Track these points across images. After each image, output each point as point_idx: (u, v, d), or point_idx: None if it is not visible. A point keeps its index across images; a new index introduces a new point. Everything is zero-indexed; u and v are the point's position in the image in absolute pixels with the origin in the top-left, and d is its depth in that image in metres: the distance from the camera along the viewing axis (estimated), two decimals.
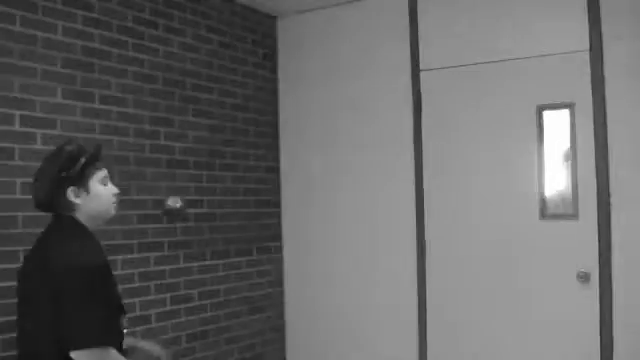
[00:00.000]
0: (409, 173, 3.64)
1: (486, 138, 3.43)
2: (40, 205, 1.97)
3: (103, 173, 2.03)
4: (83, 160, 1.95)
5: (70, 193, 1.93)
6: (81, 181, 1.94)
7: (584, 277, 3.10)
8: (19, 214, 2.65)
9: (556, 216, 3.22)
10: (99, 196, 2.00)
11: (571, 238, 3.17)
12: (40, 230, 2.71)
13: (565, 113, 3.20)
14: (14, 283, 2.61)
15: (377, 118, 3.77)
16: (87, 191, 1.96)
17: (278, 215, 4.09)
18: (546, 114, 3.26)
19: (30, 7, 2.72)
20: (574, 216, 3.17)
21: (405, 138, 3.66)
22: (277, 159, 4.11)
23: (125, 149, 3.12)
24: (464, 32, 3.49)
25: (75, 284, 1.78)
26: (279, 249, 4.08)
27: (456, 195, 3.51)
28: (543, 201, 3.26)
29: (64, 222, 1.95)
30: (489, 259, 3.39)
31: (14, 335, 2.57)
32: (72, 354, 1.77)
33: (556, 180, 3.24)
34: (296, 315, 4.06)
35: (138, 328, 3.13)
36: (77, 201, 1.94)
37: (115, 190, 2.08)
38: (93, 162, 2.00)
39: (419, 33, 3.63)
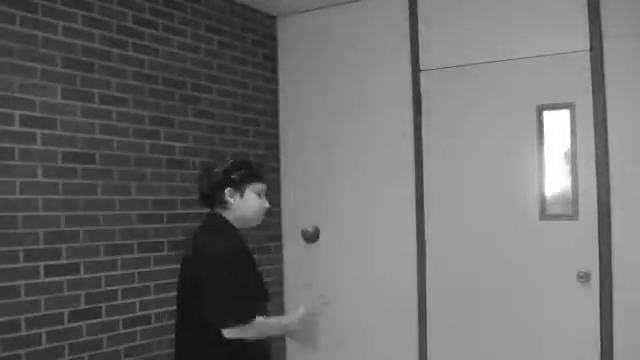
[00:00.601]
0: (409, 173, 3.64)
1: (486, 138, 3.43)
2: (202, 198, 2.28)
3: (261, 186, 2.30)
4: (247, 170, 2.26)
5: (226, 192, 2.22)
6: (239, 186, 2.23)
7: (584, 277, 3.10)
8: (19, 214, 2.65)
9: (556, 216, 3.22)
10: (250, 203, 2.26)
11: (571, 238, 3.17)
12: (40, 230, 2.72)
13: (565, 113, 3.20)
14: (14, 283, 2.62)
15: (377, 118, 3.77)
16: (241, 195, 2.24)
17: (278, 215, 4.08)
18: (546, 114, 3.26)
19: (30, 7, 2.72)
20: (574, 216, 3.17)
21: (405, 138, 3.66)
22: (277, 159, 4.11)
23: (125, 149, 3.12)
24: (464, 32, 3.49)
25: (214, 270, 2.07)
26: (279, 249, 4.08)
27: (456, 195, 3.51)
28: (543, 201, 3.26)
29: (214, 218, 2.26)
30: (489, 259, 3.39)
31: (14, 335, 2.58)
32: (224, 332, 2.06)
33: (556, 180, 3.24)
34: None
35: (138, 328, 3.13)
36: (230, 200, 2.22)
37: (266, 204, 2.34)
38: (256, 175, 2.28)
39: (419, 33, 3.63)
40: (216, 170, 2.24)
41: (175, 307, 2.35)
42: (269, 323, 2.23)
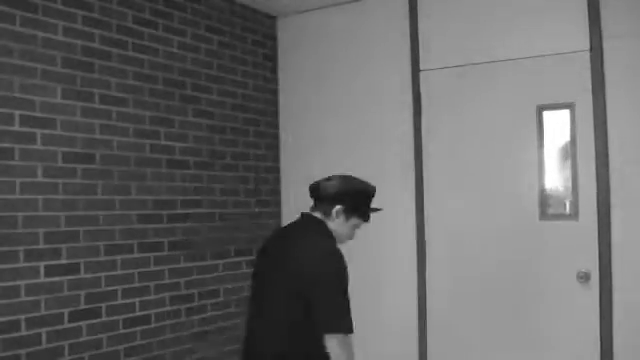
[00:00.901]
0: (409, 173, 3.64)
1: (486, 138, 3.43)
2: (317, 195, 2.28)
3: (362, 223, 2.34)
4: (365, 206, 2.30)
5: (336, 209, 2.25)
6: (348, 212, 2.26)
7: (584, 277, 3.10)
8: (19, 214, 2.65)
9: (556, 216, 3.22)
10: (346, 230, 2.31)
11: (571, 238, 3.17)
12: (40, 230, 2.72)
13: (565, 113, 3.20)
14: (14, 283, 2.62)
15: (377, 118, 3.78)
16: (345, 219, 2.27)
17: (278, 215, 4.09)
18: (546, 114, 3.26)
19: (30, 7, 2.72)
20: (574, 216, 3.17)
21: (405, 138, 3.66)
22: (277, 159, 4.11)
23: (125, 149, 3.13)
24: (464, 32, 3.49)
25: (331, 276, 2.10)
26: None
27: (456, 195, 3.51)
28: (543, 201, 3.26)
29: (316, 221, 2.26)
30: (489, 259, 3.39)
31: (14, 335, 2.58)
32: (326, 336, 2.05)
33: (556, 180, 3.24)
34: None
35: (138, 328, 3.13)
36: (334, 216, 2.25)
37: (354, 235, 2.38)
38: (366, 214, 2.32)
39: (419, 33, 3.63)
40: (347, 186, 2.26)
41: (252, 296, 2.29)
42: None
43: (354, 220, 2.29)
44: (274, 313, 2.14)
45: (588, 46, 3.13)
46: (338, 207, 2.24)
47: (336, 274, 2.12)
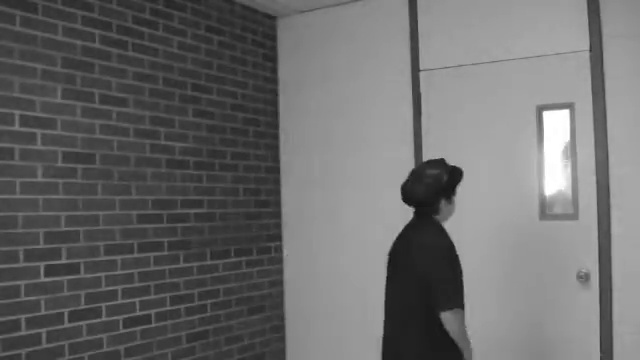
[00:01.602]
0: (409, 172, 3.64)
1: (486, 139, 3.43)
2: (412, 201, 2.44)
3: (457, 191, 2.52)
4: (458, 178, 2.47)
5: (443, 201, 2.43)
6: (450, 195, 2.46)
7: (584, 277, 3.10)
8: (19, 214, 2.65)
9: (556, 216, 3.22)
10: (453, 208, 2.51)
11: (571, 238, 3.17)
12: (40, 230, 2.72)
13: (565, 113, 3.20)
14: (14, 283, 2.62)
15: (377, 118, 3.78)
16: (450, 202, 2.47)
17: (278, 215, 4.09)
18: (546, 114, 3.26)
19: (30, 7, 2.72)
20: (574, 216, 3.17)
21: (405, 138, 3.67)
22: (277, 159, 4.11)
23: (125, 149, 3.13)
24: (464, 32, 3.49)
25: (444, 259, 2.28)
26: (279, 249, 4.08)
27: (456, 195, 3.50)
28: (543, 201, 3.26)
29: (429, 219, 2.42)
30: (489, 259, 3.39)
31: (14, 335, 2.58)
32: (441, 315, 2.27)
33: (556, 180, 3.24)
34: (296, 315, 4.06)
35: (138, 328, 3.13)
36: (442, 208, 2.44)
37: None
38: (459, 183, 2.50)
39: (419, 33, 3.63)
40: (435, 178, 2.40)
41: (389, 299, 2.44)
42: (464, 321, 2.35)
43: (454, 196, 2.49)
44: (410, 310, 2.33)
45: (588, 46, 3.13)
46: (443, 199, 2.43)
47: (448, 259, 2.30)
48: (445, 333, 2.31)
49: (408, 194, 2.43)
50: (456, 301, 2.26)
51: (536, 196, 3.27)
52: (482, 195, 3.43)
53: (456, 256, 2.32)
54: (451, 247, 2.32)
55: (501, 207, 3.37)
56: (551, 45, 3.24)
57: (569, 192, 3.19)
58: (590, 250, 3.11)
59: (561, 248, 3.19)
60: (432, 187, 2.39)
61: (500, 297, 3.35)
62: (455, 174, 2.45)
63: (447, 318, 2.26)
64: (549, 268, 3.21)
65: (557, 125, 3.23)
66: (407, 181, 2.46)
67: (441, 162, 2.46)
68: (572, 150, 3.18)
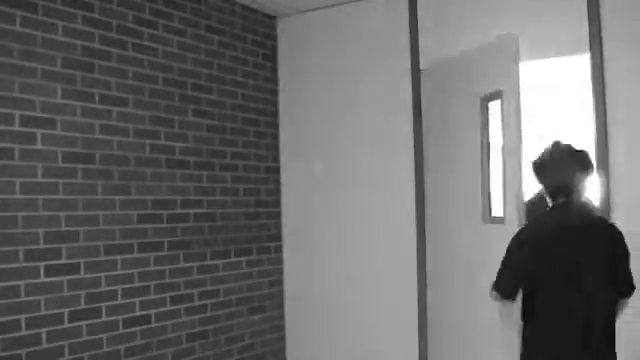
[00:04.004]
0: (409, 172, 3.64)
1: (451, 138, 3.39)
2: (562, 190, 2.29)
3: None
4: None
5: (579, 187, 2.30)
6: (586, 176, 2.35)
7: None
8: (19, 214, 2.65)
9: (495, 220, 3.13)
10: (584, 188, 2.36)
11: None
12: (40, 230, 2.71)
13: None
14: (15, 283, 2.61)
15: (377, 118, 3.77)
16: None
17: (278, 215, 4.09)
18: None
19: (30, 7, 2.72)
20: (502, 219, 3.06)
21: (406, 137, 3.66)
22: (277, 159, 4.11)
23: (125, 149, 3.12)
24: (463, 31, 3.49)
25: (626, 246, 2.28)
26: (279, 249, 4.08)
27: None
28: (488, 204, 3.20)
29: (583, 204, 2.36)
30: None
31: (14, 335, 2.58)
32: (623, 300, 2.28)
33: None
34: (296, 315, 4.06)
35: (138, 328, 3.13)
36: (583, 189, 2.32)
37: None
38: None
39: (419, 33, 3.62)
40: (576, 165, 2.29)
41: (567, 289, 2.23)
42: None
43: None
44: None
45: (588, 46, 3.12)
46: (583, 182, 2.31)
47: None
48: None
49: (560, 183, 2.30)
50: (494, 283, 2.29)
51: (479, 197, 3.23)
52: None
53: (512, 244, 2.26)
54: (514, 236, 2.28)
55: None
56: (551, 46, 3.22)
57: None
58: None
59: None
60: (574, 173, 2.30)
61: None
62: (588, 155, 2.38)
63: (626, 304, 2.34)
64: None
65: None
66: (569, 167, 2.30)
67: (579, 152, 2.33)
68: None
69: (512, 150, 2.81)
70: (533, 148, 2.45)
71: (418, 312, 3.59)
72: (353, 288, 3.84)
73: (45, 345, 2.71)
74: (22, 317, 2.63)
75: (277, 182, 4.10)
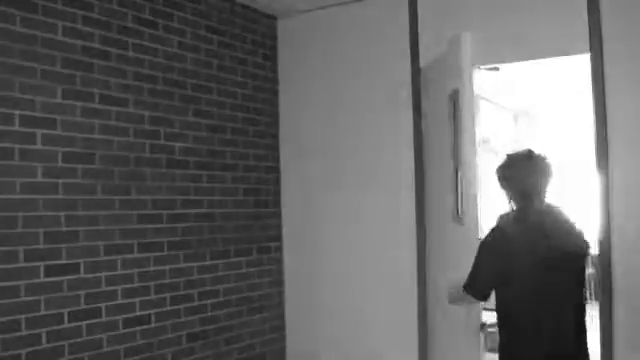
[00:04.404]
0: (409, 172, 3.63)
1: (439, 137, 3.39)
2: (527, 195, 2.30)
3: None
4: None
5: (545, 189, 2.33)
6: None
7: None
8: (19, 214, 2.65)
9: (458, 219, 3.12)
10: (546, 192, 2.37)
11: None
12: (40, 230, 2.71)
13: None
14: (15, 283, 2.61)
15: (377, 118, 3.77)
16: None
17: (278, 215, 4.09)
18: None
19: (30, 7, 2.71)
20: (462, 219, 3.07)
21: (406, 137, 3.65)
22: (277, 159, 4.11)
23: (125, 149, 3.12)
24: (463, 30, 3.49)
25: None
26: (279, 249, 4.08)
27: (438, 194, 3.50)
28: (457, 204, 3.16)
29: (546, 204, 2.35)
30: None
31: (14, 335, 2.58)
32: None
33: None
34: (296, 315, 4.06)
35: (138, 328, 3.13)
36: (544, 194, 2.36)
37: None
38: None
39: (419, 32, 3.62)
40: (546, 167, 2.32)
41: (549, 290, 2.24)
42: None
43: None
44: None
45: (588, 47, 3.11)
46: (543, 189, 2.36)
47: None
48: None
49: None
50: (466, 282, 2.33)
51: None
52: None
53: (484, 246, 2.29)
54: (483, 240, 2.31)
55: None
56: (551, 46, 3.21)
57: None
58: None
59: None
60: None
61: None
62: None
63: None
64: None
65: None
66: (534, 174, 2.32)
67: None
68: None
69: (467, 151, 2.77)
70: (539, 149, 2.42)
71: (418, 312, 3.59)
72: (353, 288, 3.84)
73: (45, 345, 2.71)
74: (22, 317, 2.63)
75: (277, 182, 4.10)
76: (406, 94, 3.66)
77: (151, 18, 3.29)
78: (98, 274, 2.96)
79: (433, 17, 3.59)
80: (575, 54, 3.18)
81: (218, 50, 3.69)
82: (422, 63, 3.62)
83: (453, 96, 2.94)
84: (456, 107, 2.86)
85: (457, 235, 2.89)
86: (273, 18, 4.12)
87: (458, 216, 2.92)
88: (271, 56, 4.10)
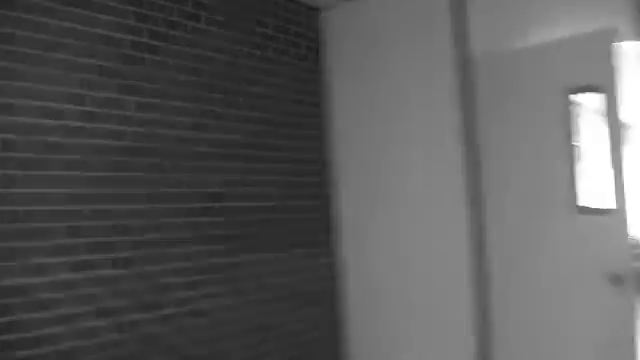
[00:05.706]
0: (456, 165, 3.58)
1: (524, 127, 3.37)
2: None
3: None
4: None
5: None
6: None
7: (615, 279, 3.01)
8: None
9: (589, 210, 3.13)
10: None
11: (603, 235, 3.07)
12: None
13: (602, 97, 3.09)
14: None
15: (425, 107, 3.70)
16: None
17: (331, 207, 4.08)
18: (578, 98, 3.16)
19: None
20: (609, 211, 3.07)
21: (455, 128, 3.59)
22: (329, 152, 4.12)
23: (175, 143, 3.17)
24: (507, 19, 3.45)
25: None
26: (333, 241, 4.08)
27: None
28: (575, 194, 3.17)
29: None
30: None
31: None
32: None
33: (591, 172, 3.16)
34: (355, 309, 4.03)
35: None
36: None
37: None
38: None
39: (467, 19, 3.56)
40: None
41: None
42: None
43: None
44: None
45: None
46: None
47: None
48: None
49: None
50: None
51: (569, 189, 3.19)
52: (517, 187, 3.39)
53: None
54: None
55: (536, 200, 3.31)
56: (594, 25, 3.13)
57: (603, 185, 3.09)
58: (622, 249, 3.00)
59: (592, 246, 3.10)
60: None
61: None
62: None
63: None
64: (578, 267, 3.14)
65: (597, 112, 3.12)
66: None
67: None
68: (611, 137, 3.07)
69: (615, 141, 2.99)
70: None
71: (476, 310, 3.51)
72: (410, 277, 3.78)
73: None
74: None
75: (331, 175, 4.10)
76: (455, 85, 3.58)
77: (194, 11, 3.35)
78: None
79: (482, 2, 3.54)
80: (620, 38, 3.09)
81: (261, 42, 3.72)
82: (475, 51, 3.55)
83: (580, 89, 3.07)
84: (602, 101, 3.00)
85: (581, 226, 3.09)
86: (316, 10, 4.13)
87: (580, 206, 3.09)
88: (314, 48, 4.11)
